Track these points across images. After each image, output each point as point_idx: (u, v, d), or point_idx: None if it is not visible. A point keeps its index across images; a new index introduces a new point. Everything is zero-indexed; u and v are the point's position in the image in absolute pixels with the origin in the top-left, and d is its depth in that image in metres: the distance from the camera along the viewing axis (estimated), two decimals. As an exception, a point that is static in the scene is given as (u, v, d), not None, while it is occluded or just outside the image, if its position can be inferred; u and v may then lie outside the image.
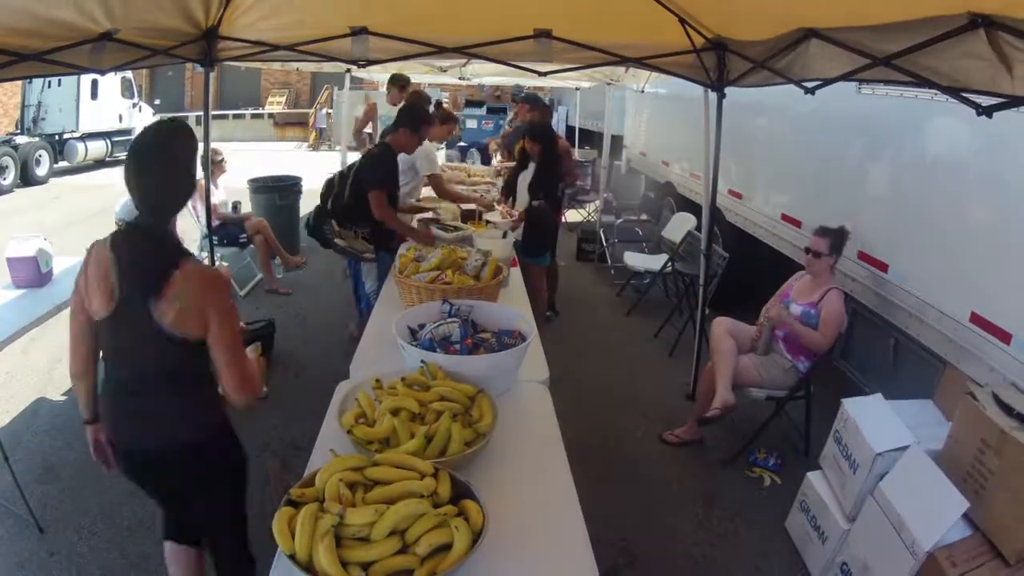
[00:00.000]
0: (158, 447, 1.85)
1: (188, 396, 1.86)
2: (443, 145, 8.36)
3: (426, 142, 4.94)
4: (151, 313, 1.68)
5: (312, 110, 19.53)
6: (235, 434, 2.01)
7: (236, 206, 6.33)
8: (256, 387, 1.84)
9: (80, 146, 13.21)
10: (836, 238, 3.45)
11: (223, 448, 1.97)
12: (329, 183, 4.31)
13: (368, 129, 7.76)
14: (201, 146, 4.66)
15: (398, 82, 6.38)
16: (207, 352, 1.76)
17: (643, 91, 7.96)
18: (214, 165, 5.39)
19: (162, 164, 1.76)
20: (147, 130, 1.83)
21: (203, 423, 1.89)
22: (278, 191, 7.09)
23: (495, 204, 4.99)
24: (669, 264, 5.61)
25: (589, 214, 8.57)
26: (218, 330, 1.73)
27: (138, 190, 1.75)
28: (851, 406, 2.87)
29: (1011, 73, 1.84)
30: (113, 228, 2.99)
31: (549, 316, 5.65)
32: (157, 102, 18.59)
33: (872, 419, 2.75)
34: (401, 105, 5.07)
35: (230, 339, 1.76)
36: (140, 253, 1.75)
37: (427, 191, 5.18)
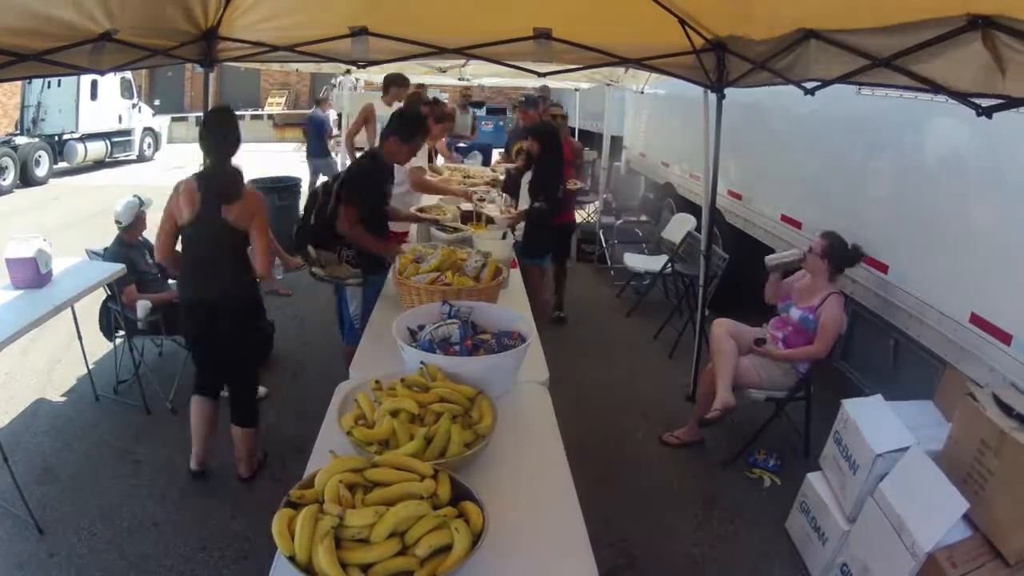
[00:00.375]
0: (222, 297, 3.00)
1: (240, 267, 3.04)
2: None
3: None
4: (222, 215, 2.90)
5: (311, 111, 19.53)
6: (265, 311, 3.50)
7: None
8: (268, 270, 3.13)
9: (80, 147, 13.20)
10: (833, 243, 3.43)
11: (259, 311, 3.34)
12: (313, 195, 3.75)
13: (360, 136, 7.52)
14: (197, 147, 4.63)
15: (395, 82, 5.84)
16: (247, 241, 3.01)
17: (643, 92, 7.96)
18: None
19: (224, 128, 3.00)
20: (213, 110, 3.12)
21: (248, 285, 3.11)
22: (277, 192, 7.09)
23: (474, 195, 4.85)
24: (669, 265, 5.61)
25: (589, 215, 8.58)
26: (258, 227, 3.01)
27: (212, 144, 2.96)
28: (851, 407, 2.87)
29: (1004, 75, 1.84)
30: (113, 228, 3.12)
31: (557, 316, 5.66)
32: (157, 103, 18.62)
33: (872, 420, 2.75)
34: (396, 108, 4.87)
35: (263, 234, 3.03)
36: (216, 180, 2.95)
37: (428, 198, 5.12)
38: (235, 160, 3.02)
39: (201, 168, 3.04)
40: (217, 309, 3.01)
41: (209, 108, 4.36)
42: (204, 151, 2.99)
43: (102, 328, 4.21)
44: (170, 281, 4.32)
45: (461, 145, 9.04)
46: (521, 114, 6.33)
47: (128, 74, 14.35)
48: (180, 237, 3.01)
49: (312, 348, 4.92)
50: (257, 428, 3.35)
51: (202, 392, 3.23)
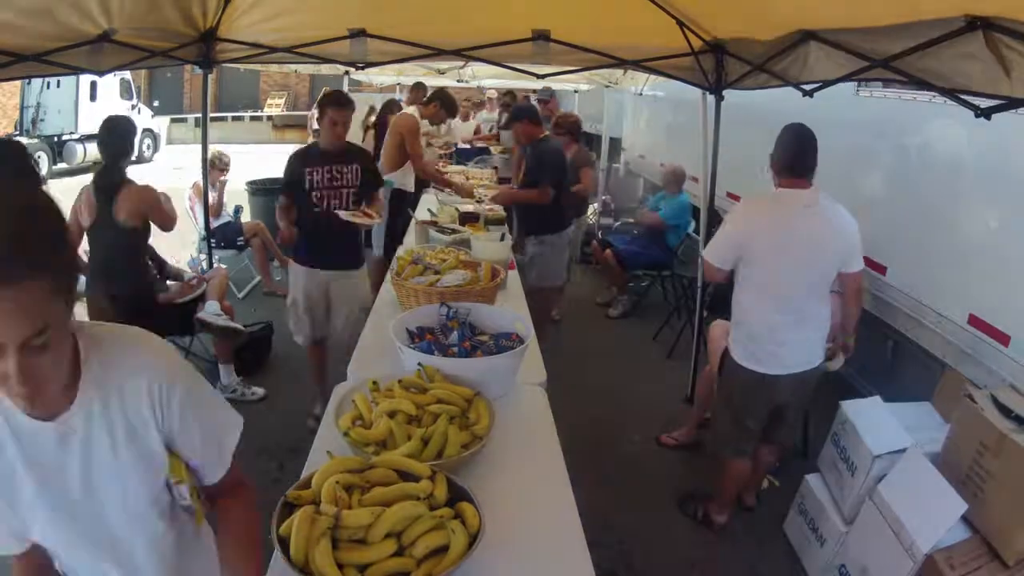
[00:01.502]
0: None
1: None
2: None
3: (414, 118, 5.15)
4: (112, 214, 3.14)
5: (311, 112, 19.55)
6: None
7: (238, 210, 6.33)
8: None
9: (79, 147, 13.20)
10: None
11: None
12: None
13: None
14: (200, 148, 4.66)
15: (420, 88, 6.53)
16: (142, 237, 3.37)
17: (641, 94, 7.97)
18: (212, 168, 5.39)
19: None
20: (107, 118, 3.31)
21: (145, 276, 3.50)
22: (276, 193, 7.06)
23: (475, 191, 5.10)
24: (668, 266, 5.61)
25: (588, 216, 8.57)
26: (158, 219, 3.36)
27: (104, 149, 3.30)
28: (849, 409, 2.87)
29: (1009, 75, 1.84)
30: None
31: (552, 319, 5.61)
32: (156, 104, 18.62)
33: (871, 422, 2.74)
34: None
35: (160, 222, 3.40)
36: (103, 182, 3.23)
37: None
38: (181, 218, 3.50)
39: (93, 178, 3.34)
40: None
41: (208, 109, 4.40)
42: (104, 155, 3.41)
43: None
44: (169, 282, 4.32)
45: (463, 146, 9.03)
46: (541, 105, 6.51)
47: (127, 75, 14.37)
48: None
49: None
50: None
51: None
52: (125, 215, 3.21)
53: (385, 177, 4.41)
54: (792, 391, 2.80)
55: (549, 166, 4.38)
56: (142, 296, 3.40)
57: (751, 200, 3.22)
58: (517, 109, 4.82)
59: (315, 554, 1.26)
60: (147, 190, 3.34)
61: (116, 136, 3.29)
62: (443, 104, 5.38)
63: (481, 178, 6.24)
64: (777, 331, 2.71)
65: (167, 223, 3.46)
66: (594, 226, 7.98)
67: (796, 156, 2.68)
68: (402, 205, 5.14)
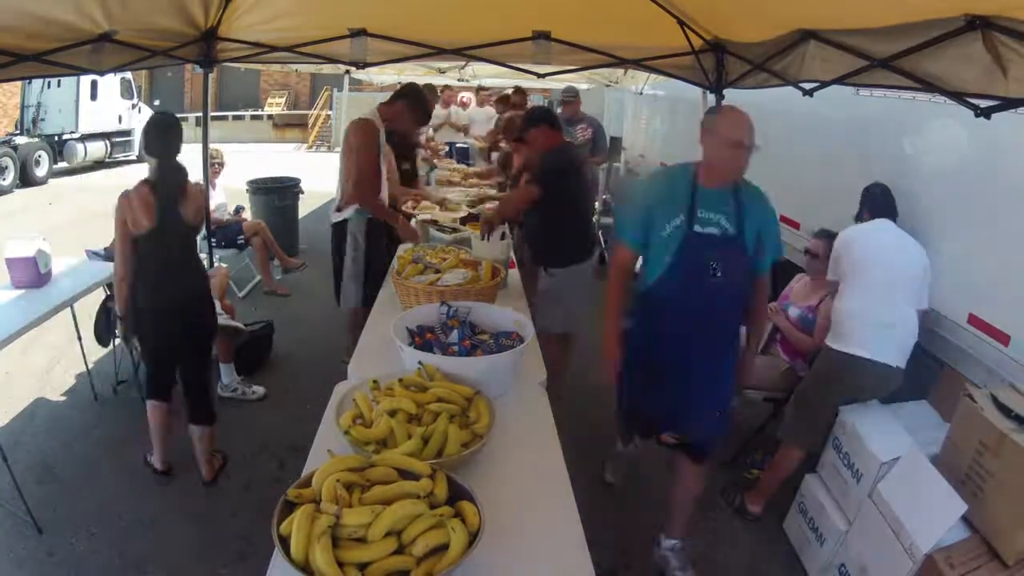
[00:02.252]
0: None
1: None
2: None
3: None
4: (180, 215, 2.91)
5: (313, 112, 19.57)
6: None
7: (239, 210, 6.34)
8: None
9: (79, 147, 13.21)
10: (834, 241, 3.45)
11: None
12: None
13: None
14: (200, 148, 4.67)
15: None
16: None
17: (641, 93, 7.97)
18: (211, 167, 5.38)
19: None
20: (155, 116, 3.01)
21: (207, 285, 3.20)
22: (277, 192, 7.09)
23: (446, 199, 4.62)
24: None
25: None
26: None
27: (160, 151, 2.91)
28: (850, 413, 2.86)
29: (1006, 75, 1.85)
30: (112, 228, 3.07)
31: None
32: (156, 103, 18.62)
33: (873, 427, 2.74)
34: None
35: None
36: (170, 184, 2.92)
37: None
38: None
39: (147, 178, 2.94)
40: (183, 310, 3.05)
41: (209, 108, 4.39)
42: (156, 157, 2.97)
43: (98, 333, 4.18)
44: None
45: (461, 146, 9.02)
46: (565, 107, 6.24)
47: (128, 74, 14.35)
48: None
49: (310, 348, 4.92)
50: (215, 427, 3.33)
51: (156, 398, 3.20)
52: (192, 214, 2.99)
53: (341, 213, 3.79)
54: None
55: (551, 168, 3.52)
56: (206, 297, 3.23)
57: None
58: (533, 113, 3.90)
59: (315, 552, 1.27)
60: (200, 189, 3.22)
61: (172, 134, 2.96)
62: (411, 104, 3.74)
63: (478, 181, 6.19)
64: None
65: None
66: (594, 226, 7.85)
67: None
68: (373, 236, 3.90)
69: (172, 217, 2.88)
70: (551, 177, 3.49)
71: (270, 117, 20.82)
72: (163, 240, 2.90)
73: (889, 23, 2.20)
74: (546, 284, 3.70)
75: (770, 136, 4.25)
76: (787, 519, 3.13)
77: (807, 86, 3.04)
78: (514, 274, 3.50)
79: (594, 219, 6.79)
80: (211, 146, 5.36)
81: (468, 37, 3.77)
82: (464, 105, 9.19)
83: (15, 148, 11.60)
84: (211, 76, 4.31)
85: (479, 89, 9.15)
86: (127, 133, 14.70)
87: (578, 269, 3.68)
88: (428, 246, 3.57)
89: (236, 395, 4.11)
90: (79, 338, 4.02)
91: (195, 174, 5.55)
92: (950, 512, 2.26)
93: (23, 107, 12.98)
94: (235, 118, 20.12)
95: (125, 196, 2.84)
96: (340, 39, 3.77)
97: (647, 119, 8.37)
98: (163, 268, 2.95)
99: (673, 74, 3.85)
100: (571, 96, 6.36)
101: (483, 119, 8.72)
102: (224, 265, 5.20)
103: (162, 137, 2.90)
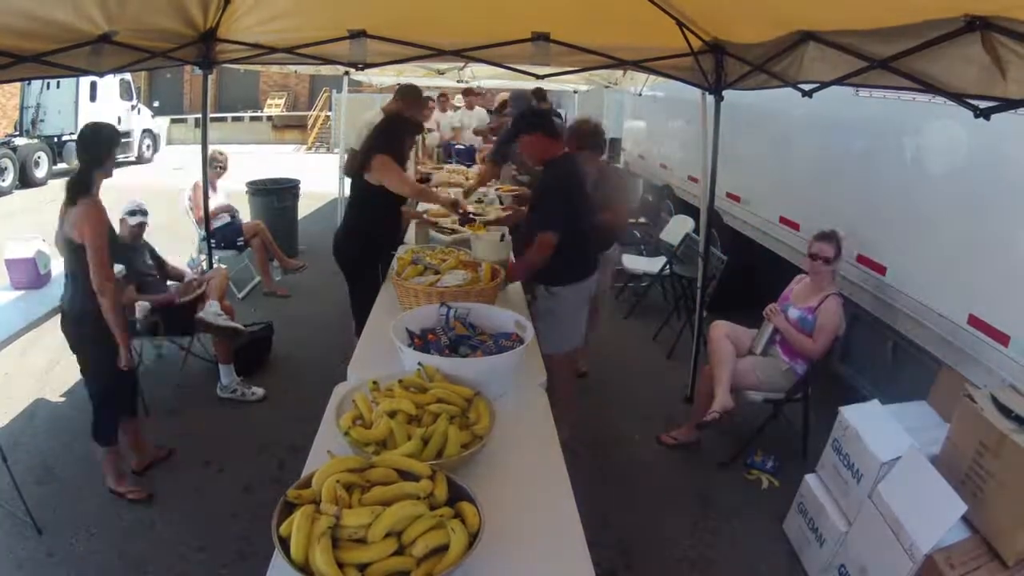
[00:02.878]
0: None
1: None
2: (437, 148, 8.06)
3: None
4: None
5: (312, 114, 19.58)
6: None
7: (234, 215, 6.33)
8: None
9: (79, 148, 13.21)
10: (839, 242, 3.45)
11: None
12: None
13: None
14: (199, 148, 4.67)
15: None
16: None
17: (641, 94, 7.97)
18: (211, 168, 5.38)
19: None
20: (86, 126, 2.96)
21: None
22: (276, 194, 7.09)
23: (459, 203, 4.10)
24: (667, 267, 5.61)
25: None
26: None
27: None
28: (850, 414, 2.86)
29: (1005, 76, 1.85)
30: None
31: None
32: (156, 104, 18.63)
33: (873, 427, 2.73)
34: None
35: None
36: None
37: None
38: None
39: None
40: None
41: (208, 109, 4.39)
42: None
43: None
44: (169, 283, 4.32)
45: (460, 147, 9.01)
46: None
47: (127, 75, 14.38)
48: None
49: (310, 349, 4.92)
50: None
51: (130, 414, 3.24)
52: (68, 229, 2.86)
53: None
54: None
55: (558, 204, 3.17)
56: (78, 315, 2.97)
57: None
58: (524, 116, 3.58)
59: (315, 553, 1.27)
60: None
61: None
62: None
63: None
64: None
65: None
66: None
67: None
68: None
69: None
70: (558, 204, 3.15)
71: (269, 118, 20.83)
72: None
73: (889, 24, 2.20)
74: (546, 304, 3.33)
75: (770, 137, 4.25)
76: (787, 519, 3.13)
77: (807, 87, 3.04)
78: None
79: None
80: (216, 148, 5.36)
81: (467, 38, 3.77)
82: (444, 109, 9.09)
83: (14, 149, 11.61)
84: (210, 77, 4.31)
85: (467, 91, 8.96)
86: (126, 134, 14.69)
87: (583, 286, 3.36)
88: (428, 247, 3.57)
89: (236, 396, 4.11)
90: (78, 339, 4.01)
91: (195, 174, 5.62)
92: (950, 512, 2.26)
93: (22, 108, 13.00)
94: (234, 119, 20.13)
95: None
96: (339, 40, 3.77)
97: (646, 120, 8.39)
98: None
99: (672, 75, 3.85)
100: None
101: (474, 123, 8.64)
102: (223, 266, 5.20)
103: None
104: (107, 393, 3.03)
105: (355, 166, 3.67)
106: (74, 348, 2.97)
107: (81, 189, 2.78)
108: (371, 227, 3.64)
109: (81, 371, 3.07)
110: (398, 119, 3.88)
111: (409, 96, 4.92)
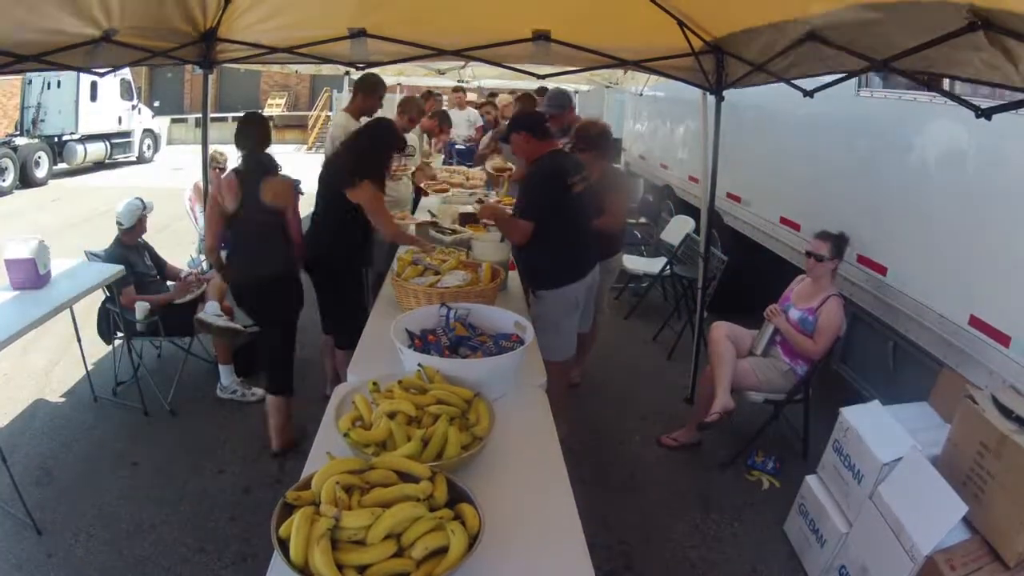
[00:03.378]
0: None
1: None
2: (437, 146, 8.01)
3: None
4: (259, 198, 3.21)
5: (313, 113, 19.58)
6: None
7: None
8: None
9: (79, 148, 13.21)
10: (837, 242, 3.45)
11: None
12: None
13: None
14: (199, 148, 4.69)
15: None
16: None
17: (642, 94, 7.97)
18: (212, 169, 5.38)
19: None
20: (249, 114, 3.56)
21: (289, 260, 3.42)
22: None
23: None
24: (668, 267, 5.61)
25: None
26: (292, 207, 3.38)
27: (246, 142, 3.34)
28: (851, 415, 2.85)
29: (1017, 67, 1.82)
30: (112, 229, 3.14)
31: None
32: (156, 104, 18.62)
33: (874, 428, 2.73)
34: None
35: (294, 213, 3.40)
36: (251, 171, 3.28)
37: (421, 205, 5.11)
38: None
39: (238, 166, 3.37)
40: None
41: (208, 109, 4.42)
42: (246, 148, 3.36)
43: (100, 331, 4.20)
44: (168, 283, 4.32)
45: (460, 147, 9.00)
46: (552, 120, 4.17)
47: (128, 75, 14.39)
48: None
49: (310, 349, 4.90)
50: (289, 400, 3.51)
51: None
52: (270, 199, 3.25)
53: None
54: None
55: (536, 194, 3.25)
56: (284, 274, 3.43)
57: None
58: (517, 118, 3.65)
59: (315, 555, 1.27)
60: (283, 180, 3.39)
61: (260, 128, 3.46)
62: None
63: (482, 179, 6.19)
64: None
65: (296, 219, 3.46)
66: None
67: None
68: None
69: (251, 203, 3.22)
70: (537, 195, 3.23)
71: (270, 118, 20.82)
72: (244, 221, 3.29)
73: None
74: (534, 308, 3.31)
75: (770, 138, 4.25)
76: (787, 520, 3.12)
77: (808, 87, 3.03)
78: (514, 276, 3.50)
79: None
80: (217, 148, 5.35)
81: (468, 38, 3.77)
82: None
83: (15, 149, 11.61)
84: (211, 77, 4.32)
85: (455, 90, 8.73)
86: (127, 134, 14.71)
87: (570, 290, 3.29)
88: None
89: (235, 397, 4.11)
90: (78, 339, 4.01)
91: (196, 175, 5.61)
92: (951, 513, 2.25)
93: (23, 108, 13.00)
94: (235, 119, 20.03)
95: (218, 178, 3.41)
96: (340, 40, 3.77)
97: (647, 120, 8.38)
98: (242, 245, 3.40)
99: (673, 75, 3.85)
100: (557, 109, 4.65)
101: (463, 123, 8.52)
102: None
103: (244, 133, 3.34)
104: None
105: (337, 181, 3.45)
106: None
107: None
108: (350, 239, 3.54)
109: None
110: (386, 135, 3.55)
111: (366, 89, 4.35)
